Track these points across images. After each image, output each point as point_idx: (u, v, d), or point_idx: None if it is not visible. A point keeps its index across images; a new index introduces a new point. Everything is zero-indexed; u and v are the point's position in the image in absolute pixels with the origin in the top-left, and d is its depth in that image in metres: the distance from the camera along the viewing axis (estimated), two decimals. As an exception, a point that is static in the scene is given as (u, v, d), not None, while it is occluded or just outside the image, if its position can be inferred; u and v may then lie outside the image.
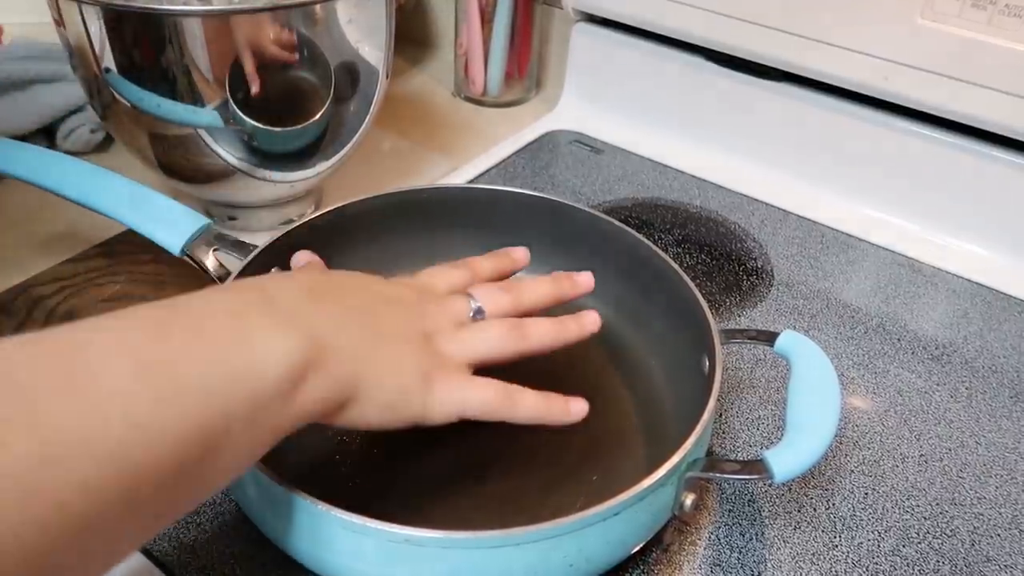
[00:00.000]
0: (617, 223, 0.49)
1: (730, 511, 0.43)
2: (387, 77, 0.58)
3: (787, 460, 0.35)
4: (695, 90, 0.72)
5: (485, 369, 0.38)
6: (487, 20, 0.77)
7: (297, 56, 0.49)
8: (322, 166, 0.57)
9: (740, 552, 0.41)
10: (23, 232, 0.60)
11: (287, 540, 0.35)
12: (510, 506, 0.41)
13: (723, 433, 0.47)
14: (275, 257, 0.46)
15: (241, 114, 0.50)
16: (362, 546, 0.32)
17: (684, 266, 0.59)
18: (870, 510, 0.43)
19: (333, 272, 0.41)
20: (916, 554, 0.41)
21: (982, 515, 0.44)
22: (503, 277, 0.44)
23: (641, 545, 0.39)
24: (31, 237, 0.60)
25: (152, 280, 0.54)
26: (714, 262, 0.61)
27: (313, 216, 0.48)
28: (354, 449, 0.43)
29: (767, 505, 0.43)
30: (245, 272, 0.44)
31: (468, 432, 0.44)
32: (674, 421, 0.44)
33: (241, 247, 0.45)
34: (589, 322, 0.41)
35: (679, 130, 0.74)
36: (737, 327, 0.55)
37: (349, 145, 0.58)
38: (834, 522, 0.43)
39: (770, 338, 0.42)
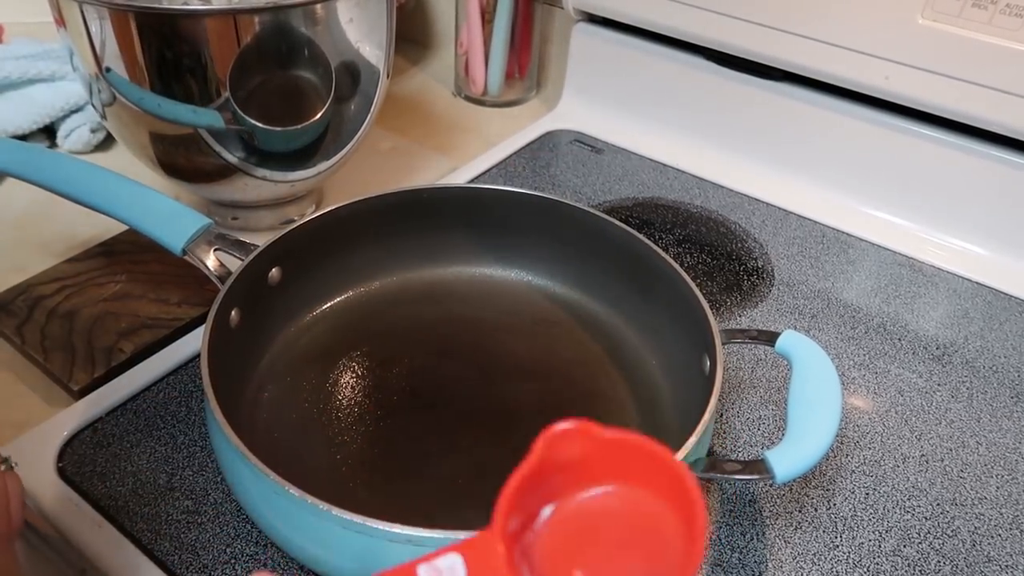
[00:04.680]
0: (617, 223, 0.49)
1: (731, 511, 0.43)
2: (387, 77, 0.58)
3: (788, 460, 0.35)
4: (695, 90, 0.72)
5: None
6: (487, 20, 0.77)
7: (297, 56, 0.49)
8: (323, 166, 0.57)
9: (741, 552, 0.41)
10: (23, 232, 0.60)
11: (288, 540, 0.35)
12: (511, 506, 0.40)
13: (724, 433, 0.47)
14: (275, 257, 0.46)
15: (242, 113, 0.50)
16: (363, 546, 0.32)
17: (684, 266, 0.59)
18: (871, 510, 0.43)
19: None
20: (917, 554, 0.41)
21: (983, 515, 0.44)
22: None
23: (642, 545, 0.38)
24: (31, 237, 0.60)
25: (153, 280, 0.54)
26: (715, 262, 0.61)
27: (314, 216, 0.48)
28: (355, 449, 0.43)
29: (768, 505, 0.43)
30: (246, 272, 0.44)
31: (470, 432, 0.44)
32: (675, 421, 0.44)
33: (242, 247, 0.45)
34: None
35: (679, 130, 0.74)
36: (738, 327, 0.55)
37: (349, 145, 0.58)
38: (835, 522, 0.43)
39: (771, 338, 0.42)
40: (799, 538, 0.42)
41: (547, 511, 0.26)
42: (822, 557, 0.41)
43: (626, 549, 0.25)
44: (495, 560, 0.24)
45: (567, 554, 0.25)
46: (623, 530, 0.25)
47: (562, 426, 0.25)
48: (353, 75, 0.54)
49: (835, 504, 0.44)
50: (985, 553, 0.42)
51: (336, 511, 0.32)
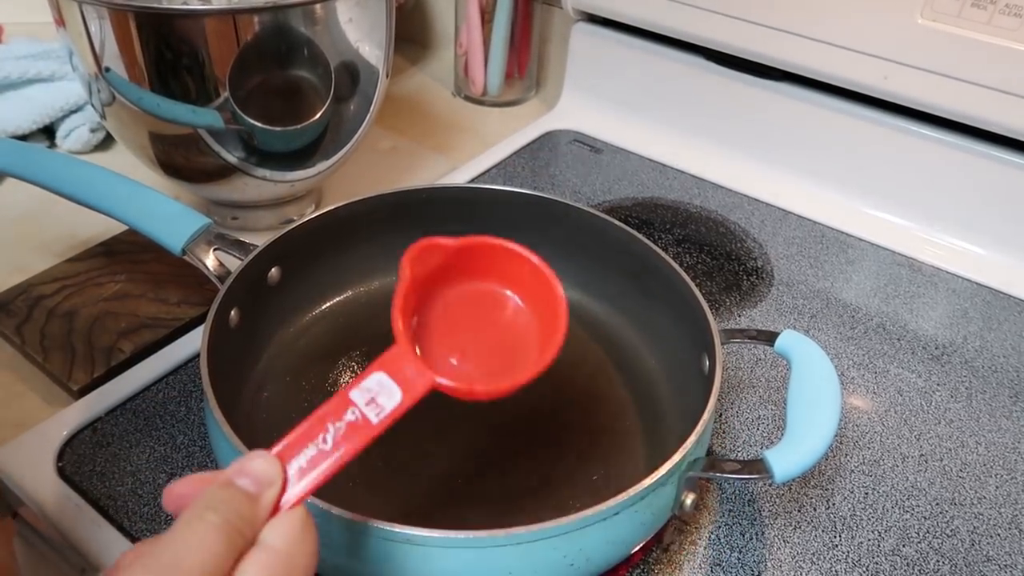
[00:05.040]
0: (617, 223, 0.49)
1: (730, 511, 0.43)
2: (387, 77, 0.58)
3: (787, 460, 0.35)
4: (695, 90, 0.72)
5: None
6: (487, 20, 0.77)
7: (297, 55, 0.49)
8: (322, 165, 0.57)
9: (740, 552, 0.41)
10: (23, 232, 0.60)
11: (287, 540, 0.35)
12: (510, 506, 0.41)
13: (723, 433, 0.47)
14: (275, 257, 0.46)
15: (241, 113, 0.50)
16: (362, 545, 0.32)
17: (684, 266, 0.59)
18: (870, 510, 0.43)
19: None
20: (916, 554, 0.41)
21: (982, 515, 0.44)
22: None
23: (641, 545, 0.39)
24: (31, 236, 0.60)
25: (152, 279, 0.54)
26: (714, 262, 0.61)
27: (313, 216, 0.48)
28: (354, 449, 0.43)
29: (767, 505, 0.43)
30: (245, 271, 0.44)
31: (469, 431, 0.44)
32: (674, 421, 0.44)
33: (241, 247, 0.45)
34: None
35: (679, 130, 0.74)
36: (737, 327, 0.55)
37: (349, 145, 0.58)
38: (834, 522, 0.43)
39: (770, 338, 0.42)
40: (798, 538, 0.42)
41: (425, 316, 0.32)
42: (821, 556, 0.41)
43: (493, 332, 0.32)
44: (411, 364, 0.29)
45: (449, 342, 0.31)
46: (490, 317, 0.32)
47: (416, 246, 0.31)
48: (352, 75, 0.54)
49: (834, 504, 0.44)
50: (984, 552, 0.42)
51: (335, 511, 0.32)
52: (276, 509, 0.26)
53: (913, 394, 0.51)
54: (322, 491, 0.32)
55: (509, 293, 0.33)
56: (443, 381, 0.29)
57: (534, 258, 0.32)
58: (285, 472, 0.27)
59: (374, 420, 0.28)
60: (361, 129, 0.58)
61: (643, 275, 0.48)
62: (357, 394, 0.28)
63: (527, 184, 0.69)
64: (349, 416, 0.28)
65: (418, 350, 0.30)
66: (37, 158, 0.49)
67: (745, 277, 0.60)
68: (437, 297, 0.32)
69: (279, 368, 0.47)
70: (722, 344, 0.41)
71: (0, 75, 0.67)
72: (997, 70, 0.55)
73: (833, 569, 0.40)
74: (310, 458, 0.27)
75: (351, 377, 0.47)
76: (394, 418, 0.28)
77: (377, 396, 0.29)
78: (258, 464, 0.26)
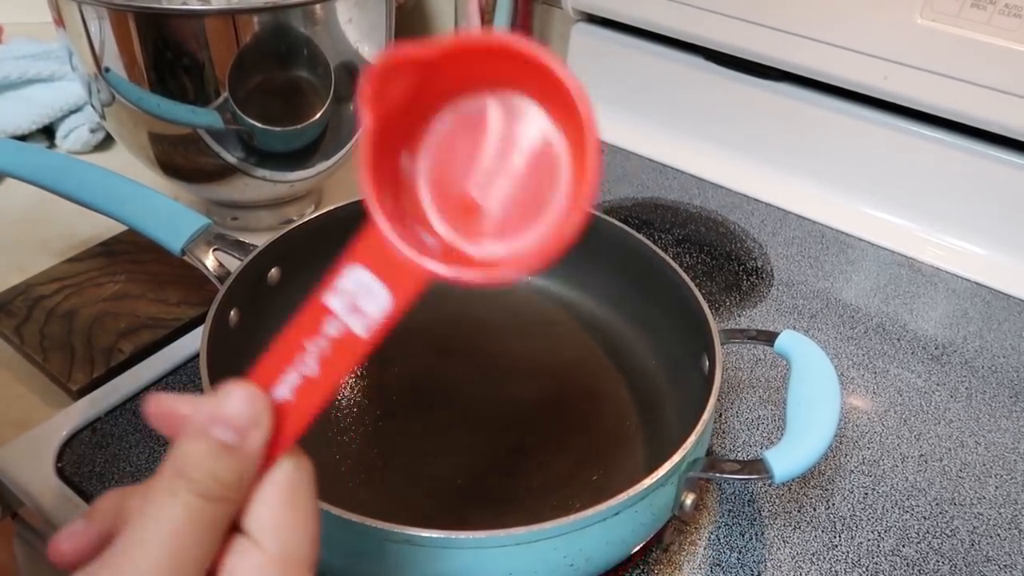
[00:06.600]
0: (617, 223, 0.49)
1: (730, 511, 0.43)
2: (387, 77, 0.58)
3: (787, 460, 0.35)
4: (695, 90, 0.72)
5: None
6: (487, 20, 0.77)
7: (297, 56, 0.49)
8: (322, 166, 0.57)
9: (740, 552, 0.41)
10: (23, 232, 0.60)
11: (287, 540, 0.35)
12: (510, 506, 0.41)
13: (723, 433, 0.47)
14: (275, 257, 0.46)
15: (241, 114, 0.50)
16: (362, 546, 0.32)
17: (684, 266, 0.59)
18: (870, 510, 0.43)
19: None
20: (916, 554, 0.41)
21: (982, 515, 0.44)
22: None
23: (641, 545, 0.39)
24: (31, 237, 0.60)
25: (152, 280, 0.54)
26: (714, 262, 0.61)
27: (313, 216, 0.48)
28: (354, 449, 0.43)
29: (767, 505, 0.43)
30: (245, 272, 0.44)
31: (469, 432, 0.44)
32: (674, 421, 0.44)
33: (241, 247, 0.45)
34: None
35: (679, 130, 0.74)
36: (737, 327, 0.55)
37: (349, 145, 0.58)
38: (834, 522, 0.43)
39: (770, 338, 0.42)
40: (798, 538, 0.42)
41: (413, 157, 0.22)
42: (821, 557, 0.41)
43: (498, 176, 0.22)
44: (395, 251, 0.21)
45: (452, 185, 0.22)
46: (498, 141, 0.22)
47: (376, 68, 0.20)
48: (352, 75, 0.54)
49: (834, 504, 0.44)
50: (984, 552, 0.42)
51: (335, 511, 0.32)
52: (271, 456, 0.21)
53: (913, 394, 0.51)
54: (320, 492, 0.32)
55: (522, 109, 0.22)
56: (441, 270, 0.22)
57: (548, 60, 0.20)
58: (272, 404, 0.21)
59: (362, 334, 0.21)
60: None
61: (643, 275, 0.48)
62: (333, 299, 0.21)
63: (527, 184, 0.69)
64: (330, 330, 0.21)
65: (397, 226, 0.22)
66: (37, 158, 0.49)
67: (745, 277, 0.60)
68: (416, 135, 0.22)
69: (279, 368, 0.47)
70: (722, 344, 0.41)
71: (0, 75, 0.67)
72: (997, 70, 0.55)
73: (833, 569, 0.40)
74: (295, 387, 0.21)
75: (351, 377, 0.47)
76: (387, 327, 0.22)
77: (358, 300, 0.22)
78: (235, 404, 0.21)
